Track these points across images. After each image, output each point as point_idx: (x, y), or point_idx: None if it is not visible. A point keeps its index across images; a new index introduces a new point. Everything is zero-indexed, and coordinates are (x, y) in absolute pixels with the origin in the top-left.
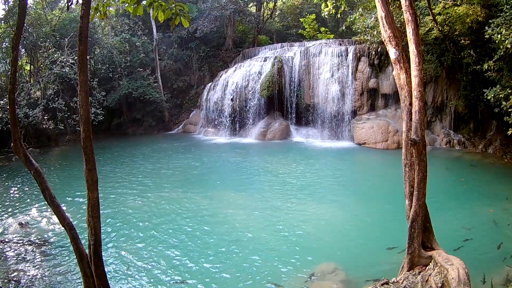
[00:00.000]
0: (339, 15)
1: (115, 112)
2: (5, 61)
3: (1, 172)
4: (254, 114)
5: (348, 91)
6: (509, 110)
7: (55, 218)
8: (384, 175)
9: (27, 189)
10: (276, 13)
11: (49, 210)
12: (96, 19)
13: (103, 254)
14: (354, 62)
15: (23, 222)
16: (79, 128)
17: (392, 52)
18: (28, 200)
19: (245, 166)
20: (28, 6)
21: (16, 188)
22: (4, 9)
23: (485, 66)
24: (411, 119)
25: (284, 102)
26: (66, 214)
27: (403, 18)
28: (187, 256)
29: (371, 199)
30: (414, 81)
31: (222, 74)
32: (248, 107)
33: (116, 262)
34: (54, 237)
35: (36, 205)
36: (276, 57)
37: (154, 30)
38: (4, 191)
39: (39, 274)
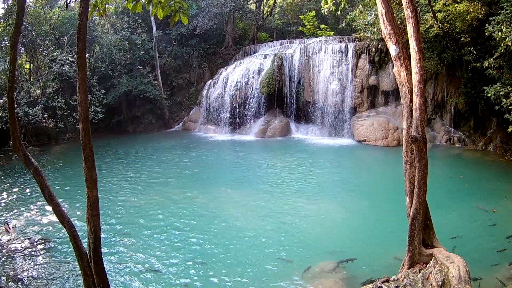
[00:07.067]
0: (339, 12)
1: (115, 110)
2: (4, 60)
3: (1, 171)
4: (254, 111)
5: (348, 88)
6: (510, 107)
7: (54, 217)
8: (384, 173)
9: (26, 187)
10: (276, 10)
11: (48, 208)
12: (95, 17)
13: (102, 253)
14: (354, 59)
15: (10, 227)
16: (79, 126)
17: (393, 49)
18: (28, 198)
19: (245, 164)
20: (27, 4)
21: (15, 187)
22: (3, 8)
23: (486, 64)
24: (411, 116)
25: (284, 99)
26: (66, 212)
27: (403, 15)
28: (188, 255)
29: (371, 197)
30: (415, 78)
31: (222, 72)
32: (248, 104)
33: (116, 260)
34: (53, 236)
35: (36, 204)
36: (276, 54)
37: (154, 28)
38: (4, 189)
39: (39, 273)
